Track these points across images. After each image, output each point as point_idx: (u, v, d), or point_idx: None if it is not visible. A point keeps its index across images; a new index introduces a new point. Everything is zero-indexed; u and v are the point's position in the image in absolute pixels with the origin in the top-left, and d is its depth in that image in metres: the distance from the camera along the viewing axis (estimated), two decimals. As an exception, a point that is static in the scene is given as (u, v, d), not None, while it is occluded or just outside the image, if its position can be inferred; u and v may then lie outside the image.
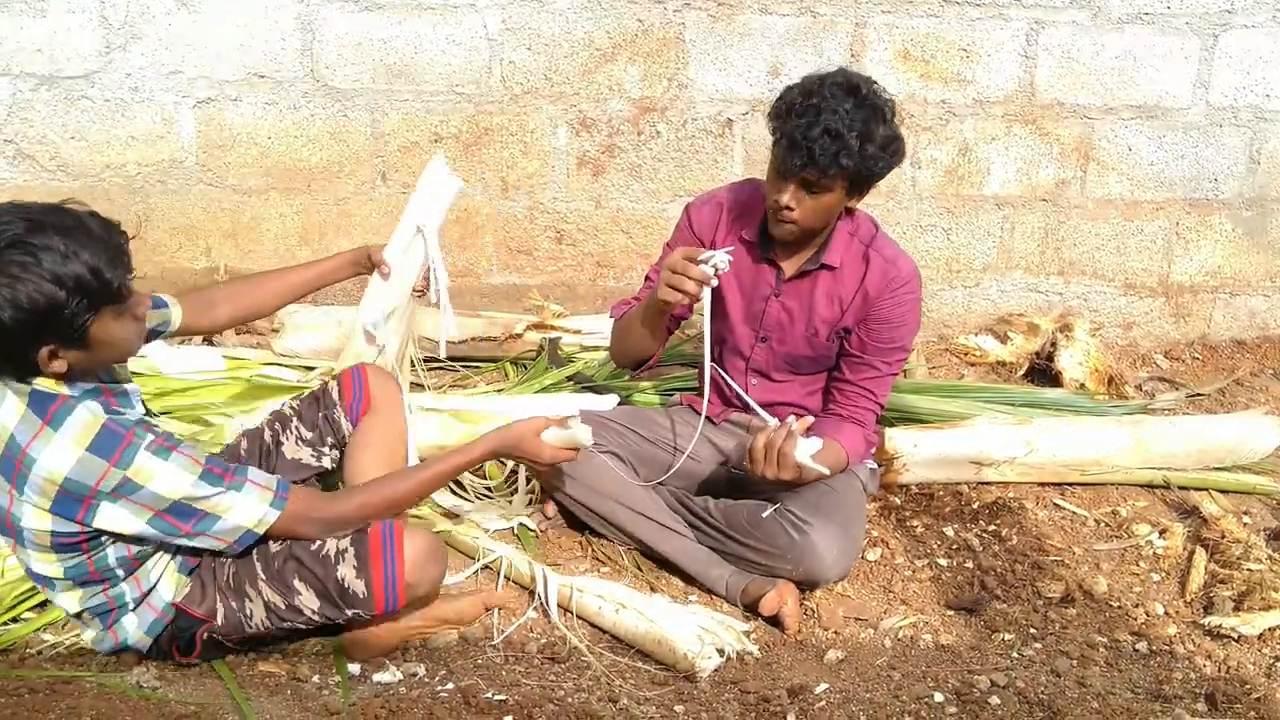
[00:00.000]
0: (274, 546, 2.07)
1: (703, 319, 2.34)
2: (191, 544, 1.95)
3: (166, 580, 2.04)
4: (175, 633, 2.06)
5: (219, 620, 2.06)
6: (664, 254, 2.56)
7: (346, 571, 2.04)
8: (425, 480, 2.11)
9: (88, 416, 1.82)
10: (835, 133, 2.14)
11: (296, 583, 2.05)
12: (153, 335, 2.21)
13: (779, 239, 2.37)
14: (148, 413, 2.07)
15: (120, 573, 1.98)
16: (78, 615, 2.06)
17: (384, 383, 2.40)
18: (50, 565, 1.94)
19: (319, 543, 2.06)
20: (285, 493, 1.97)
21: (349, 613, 2.08)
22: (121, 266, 1.79)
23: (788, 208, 2.25)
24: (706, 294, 2.25)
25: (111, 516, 1.86)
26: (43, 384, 1.83)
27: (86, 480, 1.81)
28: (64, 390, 1.84)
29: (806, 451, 2.23)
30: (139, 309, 1.88)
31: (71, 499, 1.83)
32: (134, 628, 2.05)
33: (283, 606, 2.06)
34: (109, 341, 1.83)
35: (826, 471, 2.26)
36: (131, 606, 2.03)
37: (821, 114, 2.14)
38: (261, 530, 1.95)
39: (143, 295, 1.91)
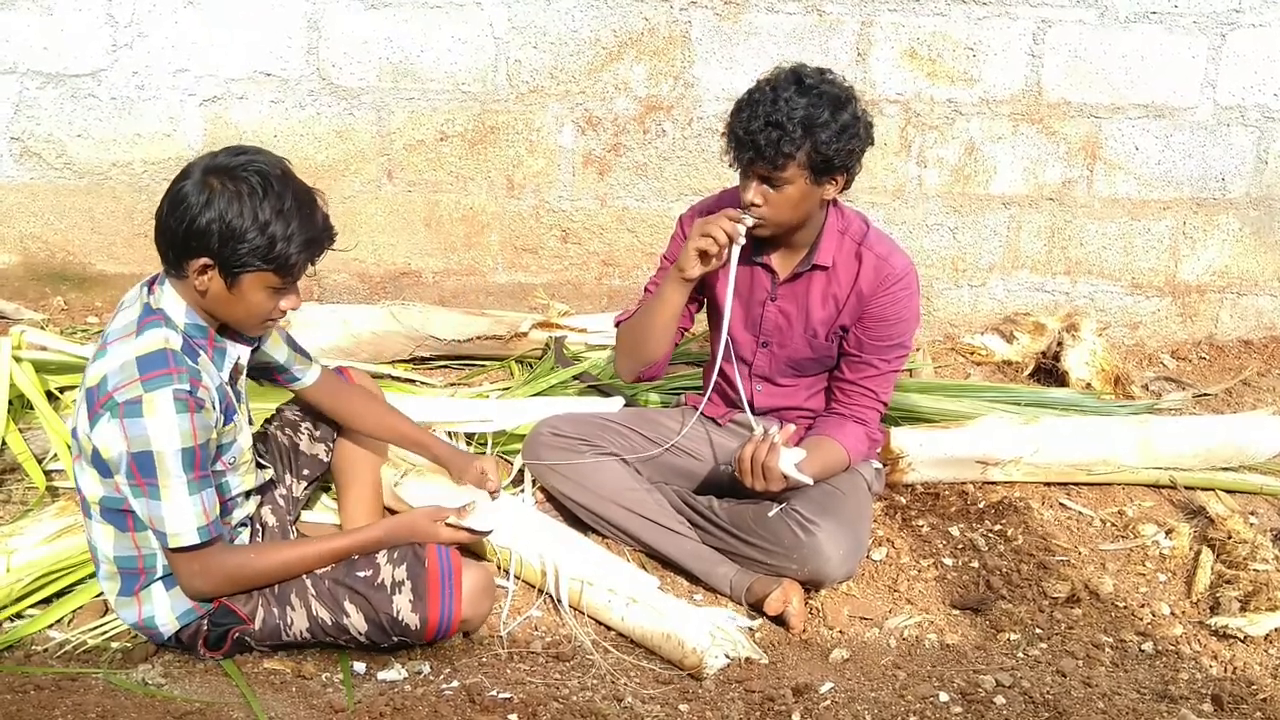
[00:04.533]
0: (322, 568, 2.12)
1: (725, 288, 2.35)
2: (133, 505, 1.94)
3: None
4: (209, 627, 2.08)
5: (256, 624, 2.09)
6: (661, 266, 2.57)
7: (402, 604, 2.07)
8: (314, 556, 2.10)
9: (161, 335, 1.92)
10: (776, 123, 2.15)
11: (347, 604, 2.09)
12: (282, 374, 2.29)
13: (759, 237, 2.36)
14: (233, 381, 2.08)
15: None
16: (109, 575, 2.06)
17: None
18: (91, 482, 1.97)
19: (372, 570, 2.09)
20: (217, 533, 1.97)
21: (395, 639, 2.12)
22: (308, 255, 1.92)
23: (754, 204, 2.25)
24: (734, 256, 2.28)
25: (104, 432, 1.88)
26: (165, 301, 1.95)
27: (114, 381, 1.87)
28: (174, 314, 1.95)
29: (790, 461, 2.24)
30: (287, 299, 1.98)
31: (94, 395, 1.90)
32: (165, 608, 2.06)
33: (329, 623, 2.09)
34: (247, 301, 1.93)
35: (810, 481, 2.27)
36: (160, 575, 2.04)
37: (760, 106, 2.17)
38: (173, 544, 1.93)
39: (299, 295, 2.01)
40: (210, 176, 1.86)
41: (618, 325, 2.61)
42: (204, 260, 1.87)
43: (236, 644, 2.11)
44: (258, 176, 1.87)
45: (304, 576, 2.11)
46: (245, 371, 2.16)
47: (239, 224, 1.84)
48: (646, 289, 2.57)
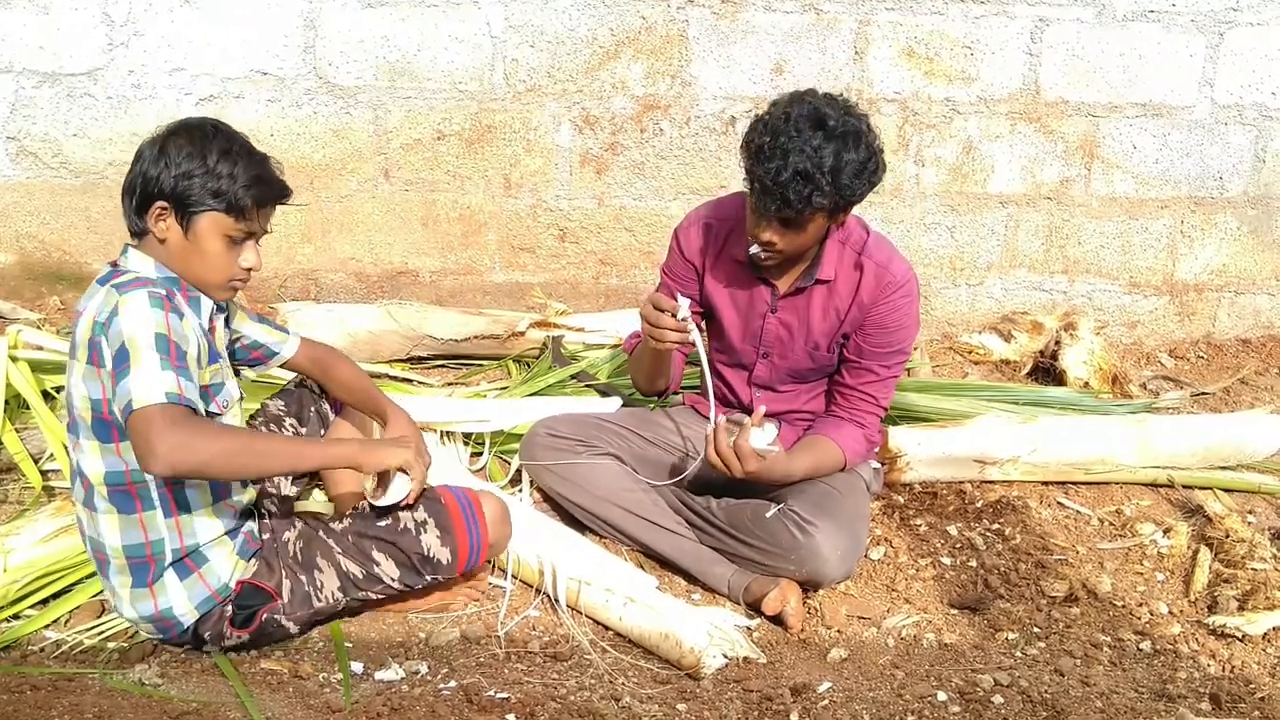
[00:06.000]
0: (339, 525, 2.16)
1: (700, 356, 2.38)
2: (111, 402, 1.89)
3: (223, 562, 2.08)
4: (234, 610, 2.09)
5: (285, 597, 2.11)
6: (661, 279, 2.60)
7: (430, 540, 2.15)
8: (285, 450, 1.99)
9: (135, 276, 1.96)
10: (805, 174, 2.09)
11: (376, 553, 2.14)
12: (260, 350, 2.31)
13: (765, 266, 2.37)
14: (211, 333, 2.09)
15: (155, 495, 1.99)
16: (119, 570, 2.04)
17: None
18: (94, 458, 1.97)
19: (391, 519, 2.15)
20: (187, 403, 1.84)
21: (428, 578, 2.19)
22: (256, 193, 1.99)
23: (769, 243, 2.24)
24: (696, 336, 2.30)
25: (95, 355, 1.91)
26: (132, 264, 2.00)
27: (100, 315, 1.90)
28: (144, 272, 1.99)
29: (760, 439, 2.26)
30: (246, 256, 2.03)
31: (77, 342, 1.92)
32: (181, 598, 2.05)
33: (360, 576, 2.15)
34: (204, 250, 1.99)
35: (778, 449, 2.27)
36: (169, 560, 2.03)
37: (790, 156, 2.09)
38: (138, 403, 1.80)
39: (258, 254, 2.06)
40: (165, 135, 1.99)
41: (628, 352, 2.68)
42: (160, 204, 1.96)
43: (267, 624, 2.11)
44: (210, 126, 2.01)
45: (326, 536, 2.14)
46: (225, 329, 2.19)
47: (189, 165, 1.95)
48: None
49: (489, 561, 2.31)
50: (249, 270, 2.05)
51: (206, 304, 2.08)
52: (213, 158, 1.96)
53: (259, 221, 2.03)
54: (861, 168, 2.14)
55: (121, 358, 1.85)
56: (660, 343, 2.29)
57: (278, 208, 2.08)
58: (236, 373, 2.34)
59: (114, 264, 2.03)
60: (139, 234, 2.02)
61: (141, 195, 1.97)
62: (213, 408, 2.04)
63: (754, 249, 2.27)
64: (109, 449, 1.96)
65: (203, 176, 1.95)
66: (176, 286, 2.01)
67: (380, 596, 2.21)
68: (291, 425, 2.45)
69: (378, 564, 2.14)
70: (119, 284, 1.92)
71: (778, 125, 2.14)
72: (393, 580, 2.16)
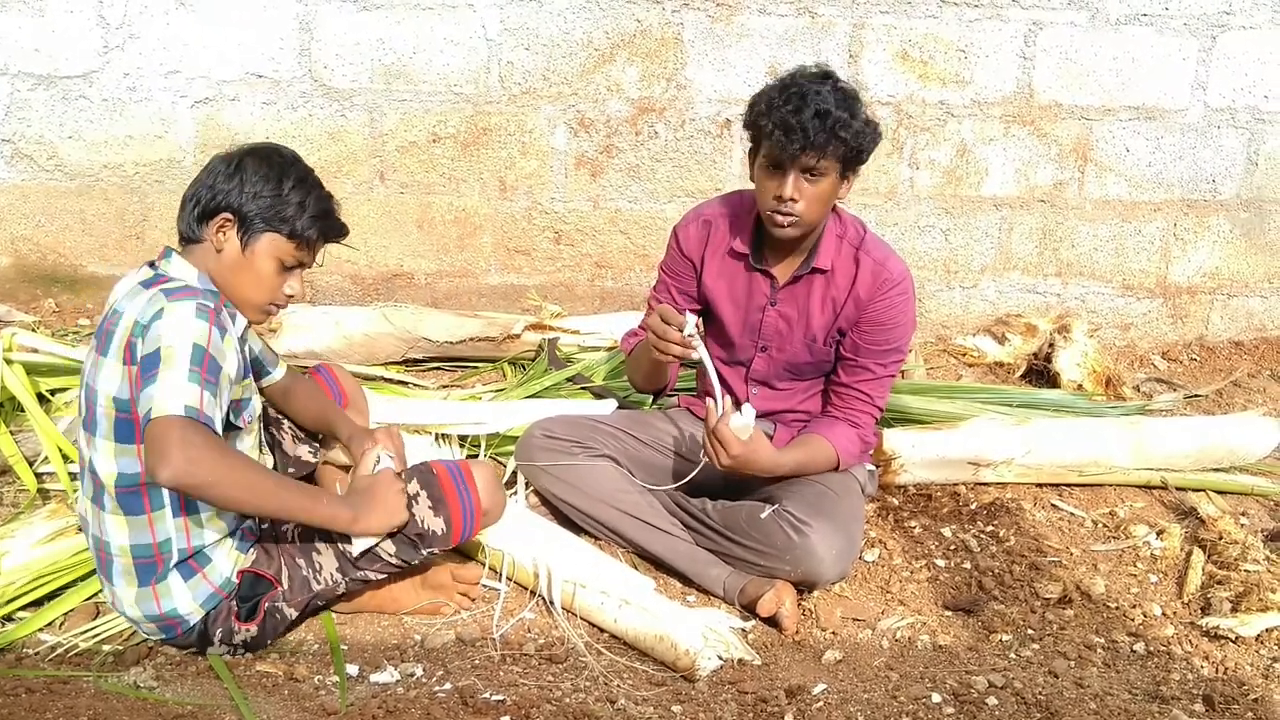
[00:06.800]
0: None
1: (706, 369, 2.36)
2: (137, 407, 1.87)
3: (224, 559, 2.08)
4: (237, 603, 2.09)
5: (284, 583, 2.11)
6: (660, 277, 2.61)
7: (423, 512, 2.13)
8: (291, 500, 1.96)
9: (182, 281, 2.01)
10: (824, 112, 2.18)
11: None
12: (263, 372, 2.37)
13: (780, 238, 2.36)
14: (241, 346, 2.11)
15: (166, 495, 1.99)
16: (123, 570, 2.03)
17: (348, 378, 2.61)
18: (108, 458, 1.97)
19: None
20: (208, 422, 1.84)
21: (424, 552, 2.16)
22: (321, 226, 2.10)
23: (791, 199, 2.25)
24: (702, 353, 2.31)
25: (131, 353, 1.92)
26: (174, 269, 2.03)
27: (144, 314, 1.91)
28: (187, 279, 2.03)
29: (738, 422, 2.27)
30: (291, 283, 2.11)
31: (120, 337, 1.92)
32: (186, 598, 2.05)
33: (357, 555, 2.13)
34: (257, 270, 2.05)
35: (751, 423, 2.28)
36: (175, 560, 2.03)
37: (806, 97, 2.19)
38: (157, 412, 1.79)
39: (303, 283, 2.15)
40: (243, 153, 2.07)
41: (626, 352, 2.67)
42: (225, 216, 2.02)
43: (269, 613, 2.11)
44: (289, 154, 2.10)
45: None
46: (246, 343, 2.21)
47: (263, 187, 2.03)
48: (649, 303, 2.59)
49: (487, 560, 2.29)
50: (289, 298, 2.11)
51: (241, 320, 2.11)
52: (288, 184, 2.05)
53: (313, 254, 2.11)
54: (867, 122, 2.26)
55: (151, 362, 1.85)
56: (665, 355, 2.30)
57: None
58: None
59: (152, 264, 2.05)
60: (190, 241, 2.06)
61: (208, 205, 2.03)
62: (238, 423, 2.06)
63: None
64: (127, 450, 1.95)
65: (274, 200, 2.03)
66: (217, 299, 2.02)
67: (380, 575, 2.19)
68: (290, 429, 2.45)
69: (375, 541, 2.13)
70: (168, 289, 1.93)
71: (786, 81, 2.26)
72: (390, 556, 2.14)
